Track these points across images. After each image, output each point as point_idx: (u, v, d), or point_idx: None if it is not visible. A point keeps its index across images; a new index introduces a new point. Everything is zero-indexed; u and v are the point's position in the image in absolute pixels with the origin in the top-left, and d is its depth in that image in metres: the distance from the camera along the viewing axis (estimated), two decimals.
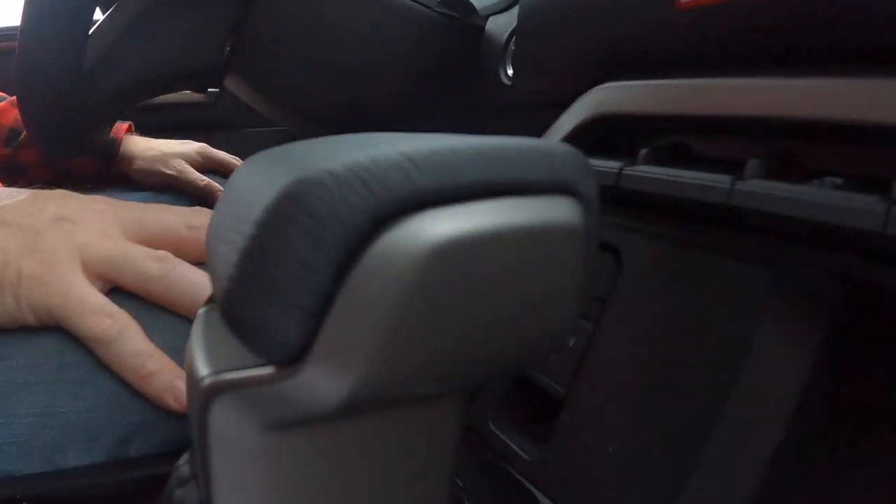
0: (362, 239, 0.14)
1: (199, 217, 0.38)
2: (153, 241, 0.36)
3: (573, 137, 0.32)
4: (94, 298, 0.33)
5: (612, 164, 0.28)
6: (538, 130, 0.35)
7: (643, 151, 0.28)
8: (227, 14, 0.53)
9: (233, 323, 0.17)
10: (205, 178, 0.67)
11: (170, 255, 0.35)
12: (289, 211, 0.14)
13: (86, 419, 0.34)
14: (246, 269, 0.15)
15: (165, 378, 0.33)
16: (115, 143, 0.65)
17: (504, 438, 0.33)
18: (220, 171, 0.71)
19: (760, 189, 0.23)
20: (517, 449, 0.32)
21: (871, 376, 0.23)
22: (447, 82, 0.56)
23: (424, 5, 0.56)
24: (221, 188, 0.68)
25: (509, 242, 0.15)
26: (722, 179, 0.24)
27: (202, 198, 0.66)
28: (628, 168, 0.27)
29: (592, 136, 0.31)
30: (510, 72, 0.48)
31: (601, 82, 0.31)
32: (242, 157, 0.75)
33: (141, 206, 0.39)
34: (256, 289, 0.15)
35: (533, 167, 0.16)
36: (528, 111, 0.39)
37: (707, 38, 0.27)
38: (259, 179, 0.16)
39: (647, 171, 0.26)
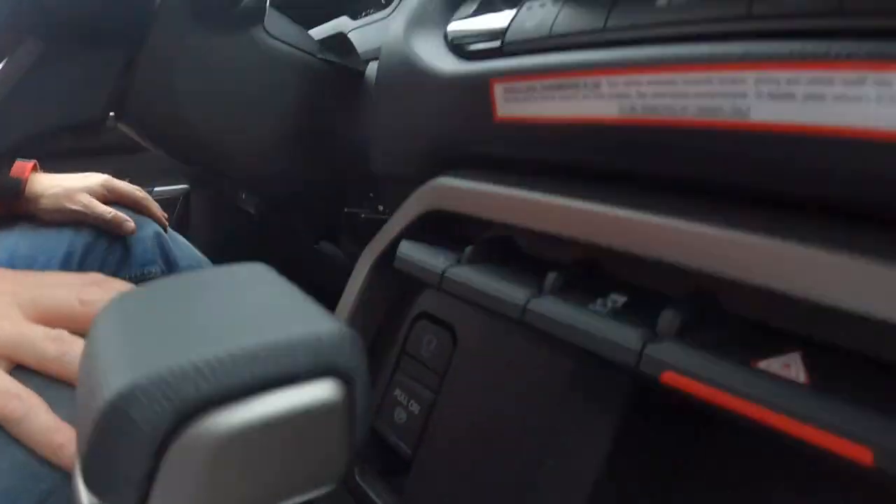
0: (168, 436, 0.19)
1: (91, 292, 0.40)
2: (49, 318, 0.38)
3: (413, 227, 0.35)
4: (0, 380, 0.35)
5: (436, 265, 0.31)
6: None
7: (468, 250, 0.31)
8: (113, 64, 0.54)
9: (87, 485, 0.21)
10: (111, 210, 0.67)
11: (65, 334, 0.37)
12: (114, 420, 0.19)
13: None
14: (90, 454, 0.19)
15: (74, 448, 0.36)
16: (21, 183, 0.65)
17: (368, 490, 0.37)
18: (124, 202, 0.71)
19: (546, 311, 0.26)
20: (377, 501, 0.36)
21: (660, 460, 0.28)
22: (328, 124, 0.58)
23: (306, 52, 0.58)
24: (128, 218, 0.69)
25: (279, 426, 0.20)
26: (519, 297, 0.27)
27: (109, 230, 0.67)
28: (450, 270, 0.30)
29: (430, 226, 0.34)
30: None
31: (441, 172, 0.34)
32: (141, 182, 0.75)
33: (37, 280, 0.40)
34: (97, 468, 0.20)
35: (300, 359, 0.20)
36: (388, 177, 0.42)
37: (520, 149, 0.31)
38: (105, 364, 0.20)
39: (463, 278, 0.30)
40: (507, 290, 0.28)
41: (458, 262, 0.31)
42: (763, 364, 0.21)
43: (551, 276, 0.28)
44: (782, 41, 0.20)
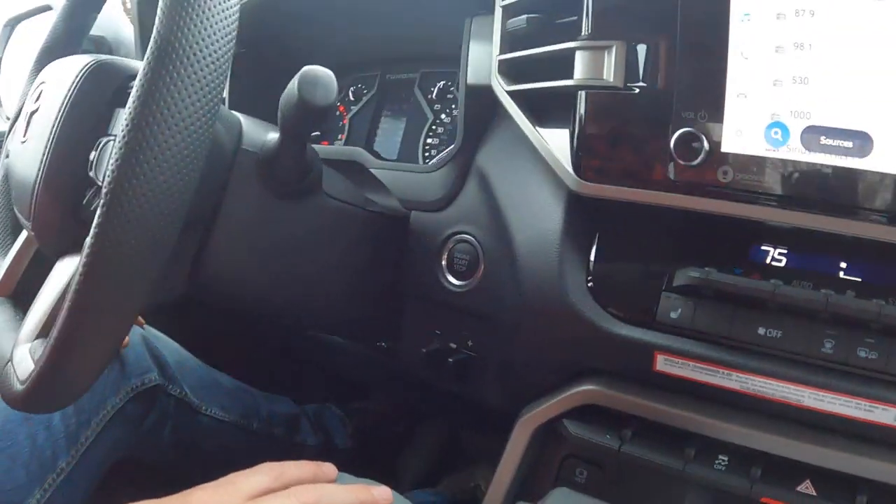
0: None
1: (304, 493, 0.48)
2: None
3: (573, 413, 0.58)
4: None
5: (612, 444, 0.56)
6: None
7: (627, 433, 0.56)
8: (191, 244, 0.58)
9: None
10: None
11: None
12: None
13: None
14: None
15: None
16: None
17: None
18: None
19: (692, 472, 0.54)
20: None
21: None
22: (383, 266, 0.72)
23: (358, 206, 0.69)
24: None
25: None
26: (676, 465, 0.54)
27: None
28: (624, 447, 0.56)
29: (587, 413, 0.58)
30: (451, 279, 0.69)
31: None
32: None
33: (239, 492, 0.47)
34: None
35: None
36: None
37: (669, 384, 0.56)
38: None
39: (635, 453, 0.55)
40: (667, 461, 0.55)
41: (622, 440, 0.57)
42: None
43: (689, 450, 0.55)
44: (824, 375, 0.51)
